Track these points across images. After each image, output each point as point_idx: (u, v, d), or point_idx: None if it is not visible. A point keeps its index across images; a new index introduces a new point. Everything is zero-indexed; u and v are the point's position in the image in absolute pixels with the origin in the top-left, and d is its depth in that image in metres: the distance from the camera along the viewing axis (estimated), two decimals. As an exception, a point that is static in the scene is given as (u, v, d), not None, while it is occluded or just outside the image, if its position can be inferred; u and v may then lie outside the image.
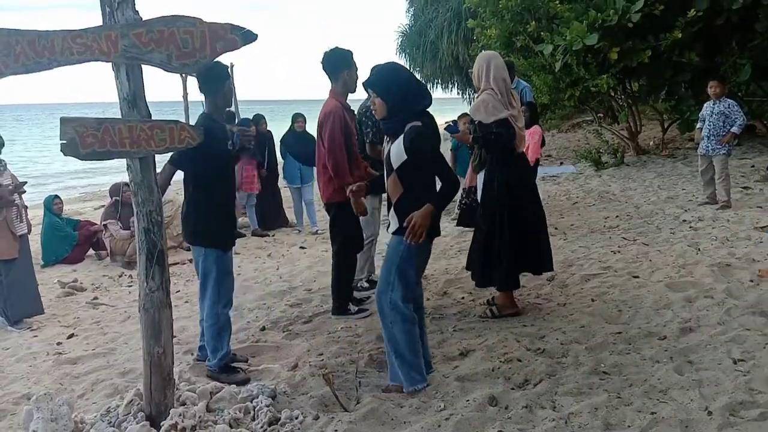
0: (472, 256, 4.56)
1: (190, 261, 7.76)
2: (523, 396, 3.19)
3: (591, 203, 8.61)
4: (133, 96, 2.92)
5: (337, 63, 4.62)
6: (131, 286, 6.88)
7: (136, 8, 2.89)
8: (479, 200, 4.73)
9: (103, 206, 9.23)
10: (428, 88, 3.60)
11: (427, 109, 3.36)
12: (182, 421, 3.01)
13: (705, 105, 7.36)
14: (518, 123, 4.31)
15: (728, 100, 7.18)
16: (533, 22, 11.23)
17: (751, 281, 4.49)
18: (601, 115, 16.51)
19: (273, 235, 8.91)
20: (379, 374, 3.73)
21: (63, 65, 2.83)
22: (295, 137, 9.01)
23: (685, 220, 6.81)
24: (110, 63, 2.89)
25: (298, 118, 8.97)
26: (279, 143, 9.23)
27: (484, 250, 4.37)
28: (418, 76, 26.80)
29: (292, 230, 9.29)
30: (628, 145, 12.54)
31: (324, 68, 4.66)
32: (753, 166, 9.46)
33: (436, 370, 3.66)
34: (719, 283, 4.51)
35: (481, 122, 4.23)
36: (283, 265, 7.09)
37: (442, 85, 25.57)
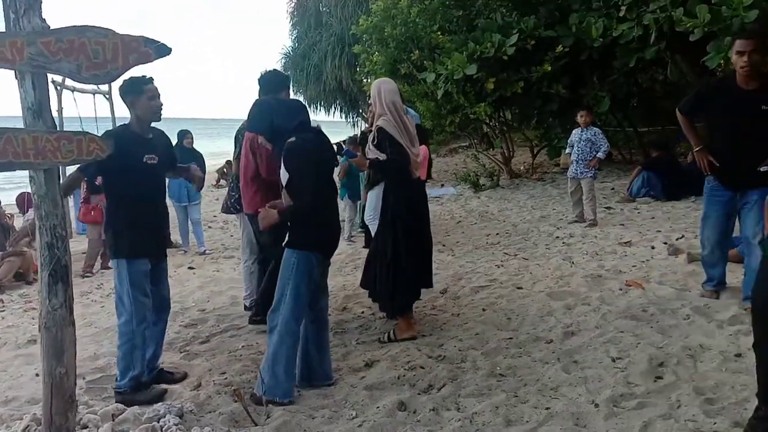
0: (376, 285, 4.47)
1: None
2: (429, 400, 3.37)
3: (473, 222, 9.12)
4: (39, 105, 2.80)
5: (274, 85, 4.61)
6: (3, 311, 6.38)
7: (43, 16, 2.81)
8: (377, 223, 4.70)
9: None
10: (308, 109, 3.71)
11: (311, 125, 3.53)
12: (87, 444, 2.89)
13: (573, 132, 8.07)
14: (413, 149, 4.33)
15: (594, 128, 7.93)
16: (417, 51, 11.76)
17: (620, 290, 5.00)
18: (476, 141, 17.46)
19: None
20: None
21: (-40, 71, 2.68)
22: (182, 154, 8.79)
23: (558, 237, 7.41)
24: (13, 71, 2.77)
25: (187, 135, 8.79)
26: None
27: (389, 279, 4.34)
28: (300, 98, 27.02)
29: (177, 251, 9.00)
30: (502, 169, 13.37)
31: (260, 88, 4.64)
32: (613, 189, 10.45)
33: (342, 380, 3.77)
34: (593, 292, 4.99)
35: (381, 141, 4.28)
36: (172, 287, 6.81)
37: (325, 107, 25.87)
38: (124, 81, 3.64)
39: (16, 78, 2.81)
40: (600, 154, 7.77)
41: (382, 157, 4.25)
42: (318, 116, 26.48)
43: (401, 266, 4.31)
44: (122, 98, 3.75)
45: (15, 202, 8.72)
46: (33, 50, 2.74)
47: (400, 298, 4.36)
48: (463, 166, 16.26)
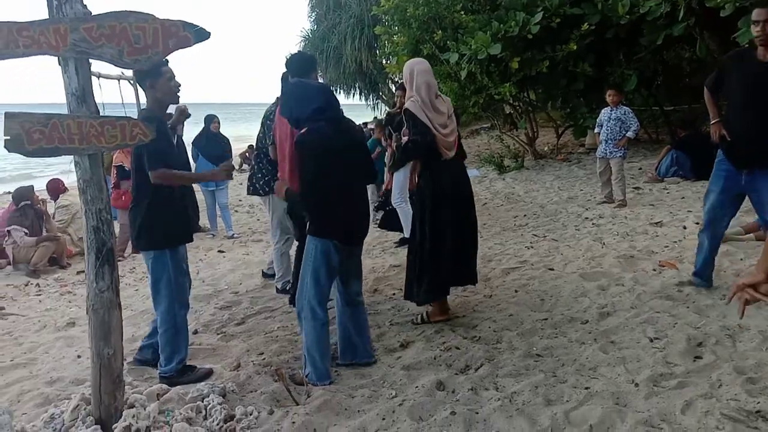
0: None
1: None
2: (467, 380, 3.39)
3: (499, 204, 9.08)
4: (82, 91, 2.85)
5: (303, 67, 4.58)
6: (40, 294, 6.52)
7: (84, 2, 2.84)
8: (405, 205, 4.64)
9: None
10: (328, 92, 3.64)
11: (330, 111, 3.50)
12: (136, 423, 2.96)
13: (602, 111, 7.96)
14: (443, 129, 4.16)
15: (624, 107, 7.82)
16: (439, 31, 11.64)
17: (654, 270, 4.97)
18: (500, 122, 17.32)
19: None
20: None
21: (7, 58, 2.72)
22: (208, 139, 8.87)
23: (587, 218, 7.36)
24: (57, 57, 2.81)
25: (214, 120, 8.85)
26: (190, 145, 9.03)
27: (414, 265, 4.27)
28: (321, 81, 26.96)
29: (205, 235, 9.11)
30: (526, 150, 13.27)
31: (288, 71, 4.64)
32: (640, 169, 10.32)
33: (378, 360, 3.81)
34: (626, 273, 4.96)
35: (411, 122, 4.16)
36: (203, 270, 6.96)
37: (345, 90, 25.82)
38: None
39: (60, 64, 2.86)
40: (630, 134, 7.67)
41: (405, 139, 4.22)
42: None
43: (426, 253, 4.19)
44: (139, 82, 3.73)
45: (46, 188, 8.84)
46: (76, 36, 2.77)
47: (425, 287, 4.21)
48: (486, 147, 16.17)
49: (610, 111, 7.78)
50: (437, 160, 4.21)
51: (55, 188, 8.61)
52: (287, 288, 5.49)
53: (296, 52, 4.85)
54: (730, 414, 2.75)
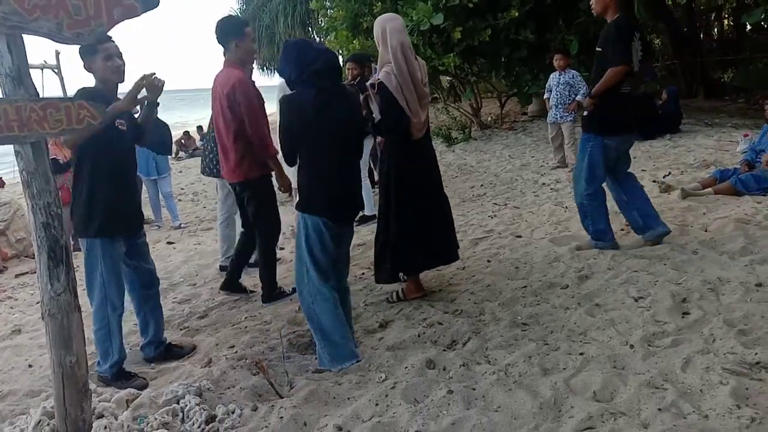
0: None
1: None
2: (457, 355, 3.26)
3: (453, 175, 9.00)
4: (18, 71, 2.51)
5: (231, 30, 4.36)
6: (-21, 300, 6.03)
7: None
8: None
9: None
10: (326, 57, 3.36)
11: (324, 77, 3.26)
12: (108, 434, 2.70)
13: (551, 76, 7.95)
14: (418, 112, 3.86)
15: (572, 71, 7.83)
16: (378, 3, 11.38)
17: (622, 230, 4.96)
18: (444, 94, 17.24)
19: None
20: (303, 356, 3.63)
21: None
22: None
23: (544, 183, 7.35)
24: (-15, 33, 2.47)
25: (153, 106, 8.36)
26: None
27: (382, 245, 4.11)
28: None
29: (150, 227, 8.66)
30: (472, 121, 13.24)
31: (217, 37, 4.38)
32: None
33: (361, 343, 3.64)
34: (595, 235, 4.92)
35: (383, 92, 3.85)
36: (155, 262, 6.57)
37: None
38: None
39: (-12, 41, 2.52)
40: (579, 97, 7.67)
41: (377, 116, 3.98)
42: (272, 80, 25.80)
43: (392, 231, 4.01)
44: (82, 62, 3.41)
45: None
46: (6, 9, 2.43)
47: (390, 264, 4.07)
48: (431, 120, 16.07)
49: (559, 75, 7.77)
50: (408, 143, 3.95)
51: None
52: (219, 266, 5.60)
53: (224, 17, 4.53)
54: (732, 368, 2.71)
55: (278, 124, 3.47)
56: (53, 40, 2.58)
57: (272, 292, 4.61)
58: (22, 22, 2.47)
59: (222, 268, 5.60)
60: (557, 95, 7.74)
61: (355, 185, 3.52)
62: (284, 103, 3.33)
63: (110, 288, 3.50)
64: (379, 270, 4.18)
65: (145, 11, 2.72)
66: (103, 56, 3.35)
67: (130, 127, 3.53)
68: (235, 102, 4.25)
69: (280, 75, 3.45)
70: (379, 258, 4.15)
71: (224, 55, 4.45)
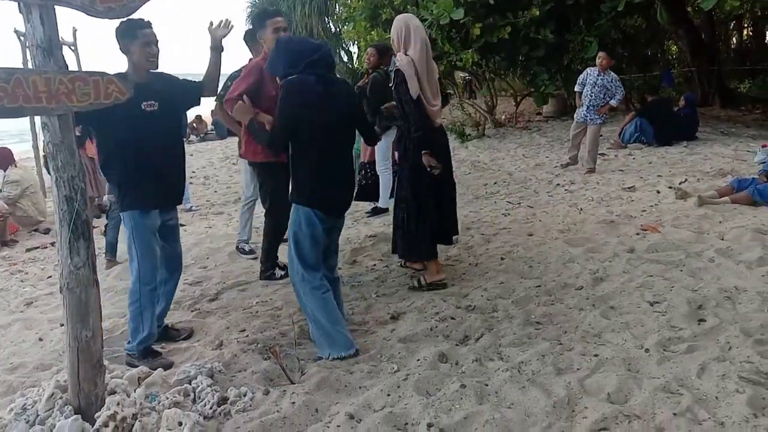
0: (401, 230, 4.31)
1: (53, 244, 7.00)
2: (470, 351, 3.25)
3: (466, 172, 8.96)
4: (49, 43, 2.51)
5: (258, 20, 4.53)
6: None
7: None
8: (398, 175, 4.56)
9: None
10: (324, 49, 3.37)
11: (322, 67, 3.28)
12: (121, 410, 2.69)
13: (588, 71, 7.76)
14: (434, 100, 4.08)
15: (612, 73, 7.69)
16: (399, -5, 11.33)
17: (637, 234, 4.93)
18: (459, 90, 17.17)
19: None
20: (314, 344, 3.62)
21: (-41, 3, 2.36)
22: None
23: (558, 184, 7.32)
24: (18, 4, 2.46)
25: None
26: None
27: (416, 224, 4.22)
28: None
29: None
30: (486, 118, 13.18)
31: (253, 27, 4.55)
32: (601, 135, 10.35)
33: (371, 332, 3.65)
34: (610, 237, 4.91)
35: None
36: (165, 245, 6.59)
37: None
38: (121, 23, 3.33)
39: (21, 12, 2.51)
40: (613, 102, 7.62)
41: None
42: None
43: (426, 211, 4.16)
44: (118, 42, 3.43)
45: None
46: (40, -21, 2.43)
47: (428, 243, 4.20)
48: (443, 116, 16.01)
49: (597, 75, 7.63)
50: (428, 129, 4.08)
51: (4, 157, 7.97)
52: (244, 249, 5.67)
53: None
54: (749, 377, 2.69)
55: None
56: (85, 13, 2.57)
57: (266, 271, 4.82)
58: (55, -6, 2.47)
59: (239, 249, 5.72)
60: (592, 96, 7.60)
61: (348, 176, 3.54)
62: (284, 87, 3.30)
63: (143, 262, 3.51)
64: (415, 248, 4.27)
65: (177, -11, 2.71)
66: (141, 42, 3.37)
67: (166, 107, 3.51)
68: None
69: (271, 72, 3.44)
70: (416, 237, 4.20)
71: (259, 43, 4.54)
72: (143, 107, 3.38)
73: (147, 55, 3.40)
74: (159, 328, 3.84)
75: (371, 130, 3.81)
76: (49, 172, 2.69)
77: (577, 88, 7.95)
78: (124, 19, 3.16)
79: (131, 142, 3.42)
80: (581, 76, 7.91)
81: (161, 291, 3.83)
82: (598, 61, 7.68)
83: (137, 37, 3.32)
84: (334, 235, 3.57)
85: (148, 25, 3.38)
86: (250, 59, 4.77)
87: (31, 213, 7.99)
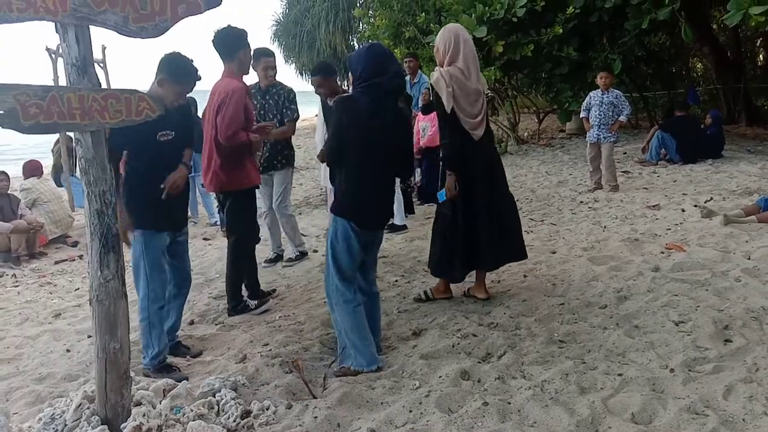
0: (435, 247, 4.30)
1: (81, 257, 7.12)
2: (492, 368, 3.24)
3: (488, 189, 8.94)
4: (83, 61, 2.60)
5: (234, 42, 4.27)
6: (17, 286, 6.18)
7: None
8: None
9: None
10: (385, 60, 3.33)
11: (378, 83, 3.26)
12: (147, 422, 2.74)
13: (591, 95, 7.82)
14: (473, 109, 4.00)
15: (615, 90, 7.72)
16: (422, 14, 11.43)
17: (662, 253, 4.88)
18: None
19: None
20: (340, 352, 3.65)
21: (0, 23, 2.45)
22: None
23: (582, 202, 7.27)
24: (55, 23, 2.55)
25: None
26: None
27: (435, 241, 4.28)
28: (292, 66, 26.47)
29: (186, 223, 8.77)
30: (509, 135, 13.18)
31: (217, 47, 4.27)
32: (625, 153, 10.31)
33: (393, 348, 3.66)
34: (635, 256, 4.86)
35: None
36: (191, 259, 6.66)
37: (319, 75, 25.43)
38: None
39: (57, 32, 2.60)
40: (622, 118, 7.59)
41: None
42: (308, 85, 26.03)
43: (447, 231, 4.17)
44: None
45: (23, 168, 8.32)
46: (76, 1, 2.52)
47: (437, 260, 4.26)
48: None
49: (602, 95, 7.66)
50: (468, 142, 4.04)
51: (31, 169, 8.13)
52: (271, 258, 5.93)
53: (226, 25, 4.34)
54: (777, 399, 2.65)
55: (317, 128, 3.57)
56: (118, 33, 2.65)
57: (237, 306, 4.64)
58: (91, 14, 2.56)
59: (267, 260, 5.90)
60: (600, 115, 7.61)
61: (389, 196, 3.57)
62: (338, 103, 3.40)
63: (153, 281, 3.63)
64: (446, 267, 4.25)
65: (208, 9, 2.79)
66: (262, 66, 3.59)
67: (181, 137, 3.69)
68: (224, 110, 4.23)
69: (350, 67, 3.39)
70: (449, 257, 4.20)
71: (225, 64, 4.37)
72: (158, 137, 3.55)
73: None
74: (171, 341, 3.95)
75: (408, 167, 3.85)
76: (57, 185, 2.79)
77: (582, 114, 7.94)
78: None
79: (144, 169, 3.59)
80: (585, 102, 7.91)
81: (171, 306, 3.92)
82: (599, 80, 7.68)
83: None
84: (371, 250, 3.58)
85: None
86: (223, 75, 4.42)
87: (42, 221, 8.08)
